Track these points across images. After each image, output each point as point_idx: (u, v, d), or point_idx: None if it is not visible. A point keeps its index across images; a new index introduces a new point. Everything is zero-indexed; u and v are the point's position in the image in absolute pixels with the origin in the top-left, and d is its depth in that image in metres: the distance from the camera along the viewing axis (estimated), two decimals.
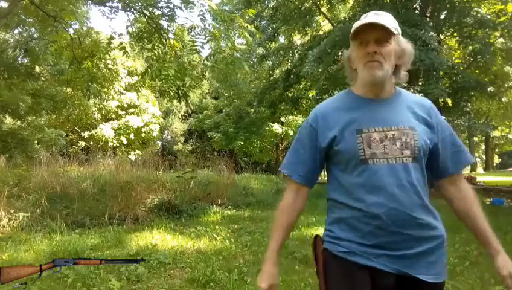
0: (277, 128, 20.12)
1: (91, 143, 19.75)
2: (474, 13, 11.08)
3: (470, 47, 11.57)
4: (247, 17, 7.95)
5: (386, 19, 1.16)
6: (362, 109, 1.20)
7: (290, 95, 15.52)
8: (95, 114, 20.79)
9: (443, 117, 1.23)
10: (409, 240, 1.13)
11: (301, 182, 1.27)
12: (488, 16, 11.15)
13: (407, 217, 1.12)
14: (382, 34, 1.15)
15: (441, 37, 12.80)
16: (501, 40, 12.00)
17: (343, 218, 1.19)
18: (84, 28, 11.18)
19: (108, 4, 7.47)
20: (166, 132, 29.50)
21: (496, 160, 43.40)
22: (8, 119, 15.06)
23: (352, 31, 1.18)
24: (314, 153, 1.24)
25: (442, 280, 1.20)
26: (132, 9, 7.52)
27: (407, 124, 1.17)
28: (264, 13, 15.50)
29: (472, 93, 11.99)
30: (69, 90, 13.12)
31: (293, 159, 1.29)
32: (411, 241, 1.13)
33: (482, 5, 12.36)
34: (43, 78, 13.62)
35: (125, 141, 20.61)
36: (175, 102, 13.06)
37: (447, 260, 1.17)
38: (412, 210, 1.13)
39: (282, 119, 20.30)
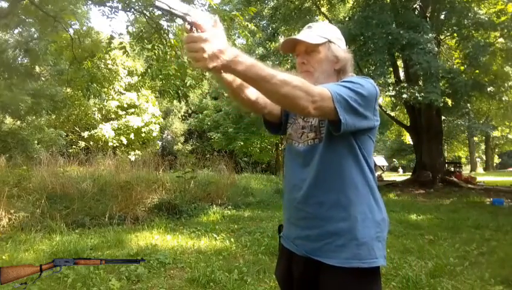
0: None
1: (91, 143, 19.76)
2: (473, 14, 11.08)
3: (468, 49, 11.58)
4: (247, 16, 7.93)
5: (312, 32, 1.28)
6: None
7: None
8: (95, 114, 20.81)
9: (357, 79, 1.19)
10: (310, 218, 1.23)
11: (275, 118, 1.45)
12: (486, 18, 11.14)
13: (303, 195, 1.23)
14: (308, 45, 1.26)
15: (441, 37, 12.81)
16: (501, 40, 12.00)
17: None
18: (84, 28, 11.18)
19: (108, 4, 7.45)
20: (166, 132, 29.48)
21: (496, 160, 43.37)
22: (8, 119, 15.07)
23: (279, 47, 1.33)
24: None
25: (348, 265, 1.15)
26: (132, 9, 7.52)
27: None
28: (264, 13, 15.50)
29: (472, 94, 11.99)
30: (69, 90, 13.14)
31: None
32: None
33: (482, 5, 12.36)
34: (43, 78, 13.64)
35: (125, 141, 20.60)
36: (175, 102, 13.06)
37: (360, 240, 1.15)
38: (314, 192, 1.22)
39: None
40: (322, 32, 1.28)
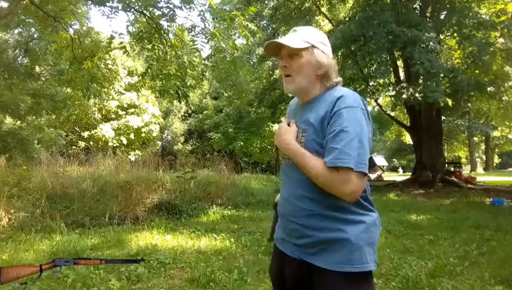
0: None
1: (91, 143, 19.76)
2: (474, 14, 11.07)
3: (470, 48, 11.57)
4: (247, 16, 7.93)
5: (296, 35, 1.28)
6: (292, 114, 1.41)
7: (290, 95, 15.53)
8: (95, 114, 20.81)
9: (353, 111, 1.17)
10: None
11: None
12: (487, 17, 11.14)
13: (294, 208, 1.26)
14: (290, 49, 1.25)
15: (441, 37, 12.81)
16: (501, 40, 12.01)
17: None
18: (84, 28, 11.18)
19: (108, 4, 7.45)
20: (166, 132, 29.51)
21: (496, 160, 43.39)
22: (8, 119, 15.08)
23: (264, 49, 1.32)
24: None
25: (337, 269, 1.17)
26: (132, 10, 7.52)
27: (303, 126, 1.26)
28: (264, 13, 15.52)
29: (472, 94, 12.00)
30: (69, 90, 13.12)
31: None
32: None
33: (482, 5, 12.36)
34: (43, 78, 13.63)
35: (125, 141, 20.62)
36: (175, 102, 13.09)
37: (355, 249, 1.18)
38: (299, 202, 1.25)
39: (282, 119, 20.29)
40: (306, 37, 1.27)
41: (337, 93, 1.24)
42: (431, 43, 10.15)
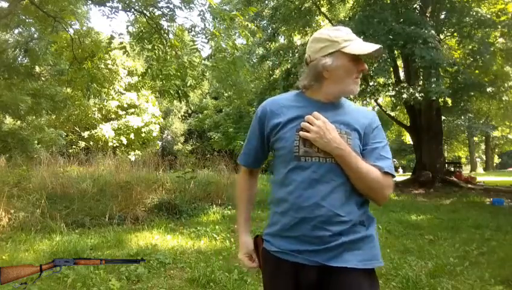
0: None
1: (91, 143, 19.78)
2: (474, 13, 11.07)
3: (470, 46, 11.56)
4: (247, 16, 7.93)
5: None
6: (292, 109, 1.25)
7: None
8: (95, 114, 20.82)
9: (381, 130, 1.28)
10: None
11: (253, 167, 1.49)
12: (488, 16, 11.13)
13: (325, 213, 1.17)
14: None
15: (441, 37, 12.81)
16: (501, 40, 12.00)
17: None
18: (84, 28, 11.17)
19: (108, 4, 7.45)
20: (166, 132, 29.51)
21: (496, 160, 43.41)
22: (8, 119, 15.08)
23: (365, 51, 1.19)
24: (262, 141, 1.36)
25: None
26: (132, 10, 7.52)
27: (343, 128, 1.21)
28: (264, 13, 15.51)
29: (472, 93, 11.99)
30: (69, 90, 13.12)
31: (246, 149, 1.46)
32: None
33: (482, 5, 12.36)
34: (43, 78, 13.63)
35: (125, 141, 20.63)
36: (175, 102, 13.07)
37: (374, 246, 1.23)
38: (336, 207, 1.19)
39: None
40: None
41: (359, 106, 1.36)
42: (432, 40, 10.13)
